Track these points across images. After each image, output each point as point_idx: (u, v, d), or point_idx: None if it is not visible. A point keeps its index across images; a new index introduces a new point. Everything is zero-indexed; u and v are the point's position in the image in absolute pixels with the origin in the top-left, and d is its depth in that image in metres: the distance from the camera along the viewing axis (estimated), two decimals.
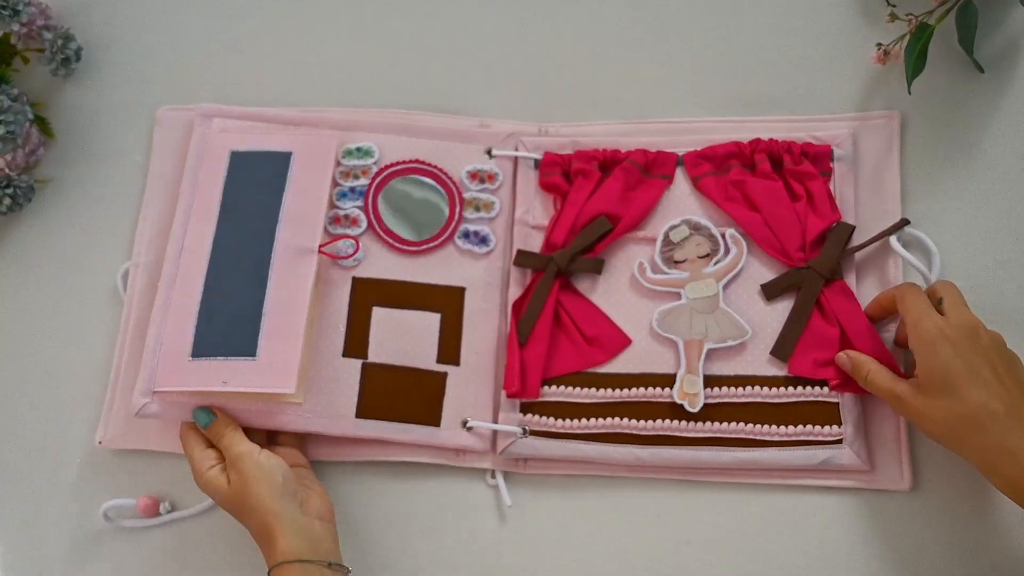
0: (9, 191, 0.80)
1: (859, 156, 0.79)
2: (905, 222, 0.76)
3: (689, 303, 0.76)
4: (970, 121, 0.79)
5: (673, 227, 0.76)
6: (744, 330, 0.75)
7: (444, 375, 0.78)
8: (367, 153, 0.81)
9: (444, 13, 0.84)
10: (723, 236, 0.76)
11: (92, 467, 0.79)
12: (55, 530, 0.78)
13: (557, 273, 0.77)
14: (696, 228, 0.76)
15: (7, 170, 0.80)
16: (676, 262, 0.76)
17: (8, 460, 0.80)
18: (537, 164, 0.80)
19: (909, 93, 0.78)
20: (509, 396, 0.76)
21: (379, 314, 0.78)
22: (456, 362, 0.78)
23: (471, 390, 0.77)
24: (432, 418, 0.77)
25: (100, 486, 0.78)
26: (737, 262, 0.75)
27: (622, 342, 0.76)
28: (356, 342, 0.78)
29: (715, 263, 0.76)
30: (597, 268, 0.77)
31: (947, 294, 0.69)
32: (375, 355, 0.78)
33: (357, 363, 0.78)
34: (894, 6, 0.79)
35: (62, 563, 0.77)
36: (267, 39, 0.85)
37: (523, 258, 0.78)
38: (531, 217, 0.80)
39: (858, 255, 0.77)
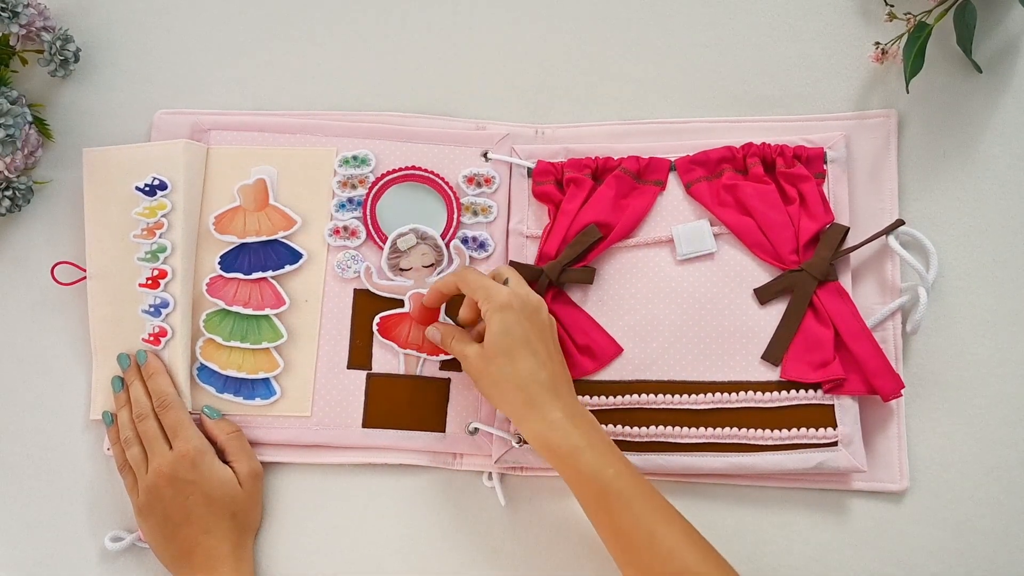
0: (8, 193, 0.80)
1: (856, 155, 0.79)
2: (900, 223, 0.76)
3: (411, 311, 0.78)
4: (968, 121, 0.79)
5: (401, 235, 0.76)
6: None
7: (447, 381, 0.78)
8: (363, 161, 0.80)
9: (440, 14, 0.84)
10: (448, 247, 0.77)
11: (100, 476, 0.80)
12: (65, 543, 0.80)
13: (549, 284, 0.77)
14: (423, 238, 0.75)
15: (6, 172, 0.80)
16: (402, 270, 0.77)
17: (8, 461, 0.81)
18: (530, 173, 0.80)
19: (907, 92, 0.78)
20: None
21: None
22: (459, 368, 0.78)
23: (475, 394, 0.78)
24: (437, 424, 0.78)
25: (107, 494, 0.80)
26: None
27: (614, 351, 0.76)
28: (359, 353, 0.78)
29: (438, 272, 0.78)
30: (588, 277, 0.77)
31: (512, 275, 0.72)
32: (379, 365, 0.78)
33: (362, 374, 0.78)
34: (892, 5, 0.79)
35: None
36: (265, 42, 0.84)
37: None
38: (525, 227, 0.80)
39: (856, 255, 0.77)
